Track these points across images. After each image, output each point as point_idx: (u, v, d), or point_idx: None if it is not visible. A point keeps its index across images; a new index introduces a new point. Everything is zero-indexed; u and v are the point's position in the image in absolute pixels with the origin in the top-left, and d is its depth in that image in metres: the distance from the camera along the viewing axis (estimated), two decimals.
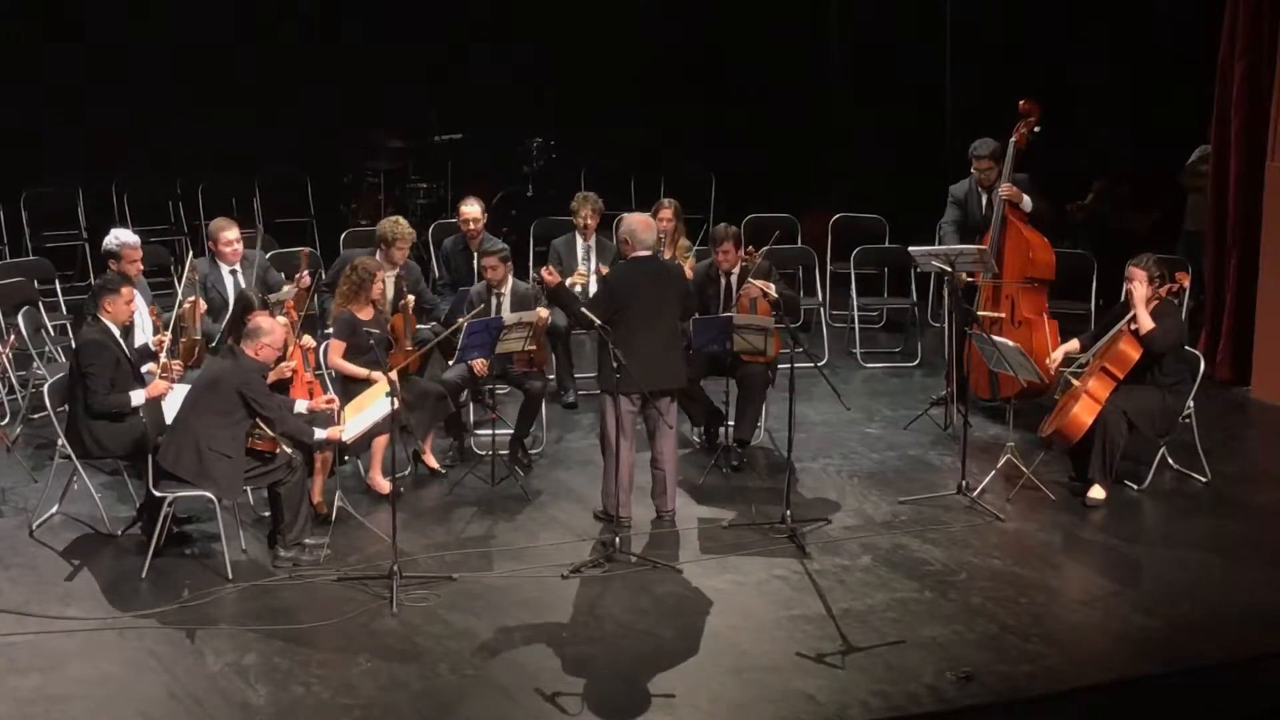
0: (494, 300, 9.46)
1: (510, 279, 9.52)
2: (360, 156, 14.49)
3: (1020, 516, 8.62)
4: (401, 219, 9.84)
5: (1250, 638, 7.26)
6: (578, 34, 14.90)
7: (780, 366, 9.11)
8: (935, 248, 10.05)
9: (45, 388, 8.42)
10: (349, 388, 8.65)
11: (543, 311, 9.24)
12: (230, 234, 9.55)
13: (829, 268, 12.50)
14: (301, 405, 8.12)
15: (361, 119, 14.37)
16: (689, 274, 9.70)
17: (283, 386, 8.24)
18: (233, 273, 9.58)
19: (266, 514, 8.18)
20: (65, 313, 11.17)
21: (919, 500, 8.82)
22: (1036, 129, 9.92)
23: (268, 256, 10.25)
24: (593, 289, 10.17)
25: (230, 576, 7.65)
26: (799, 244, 12.59)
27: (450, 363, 9.32)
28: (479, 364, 9.03)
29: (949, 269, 9.55)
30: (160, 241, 12.54)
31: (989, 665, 6.88)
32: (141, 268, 9.31)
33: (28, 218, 12.97)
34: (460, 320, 8.93)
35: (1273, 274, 10.70)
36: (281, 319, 8.35)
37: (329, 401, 8.23)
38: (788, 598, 7.58)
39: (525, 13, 14.81)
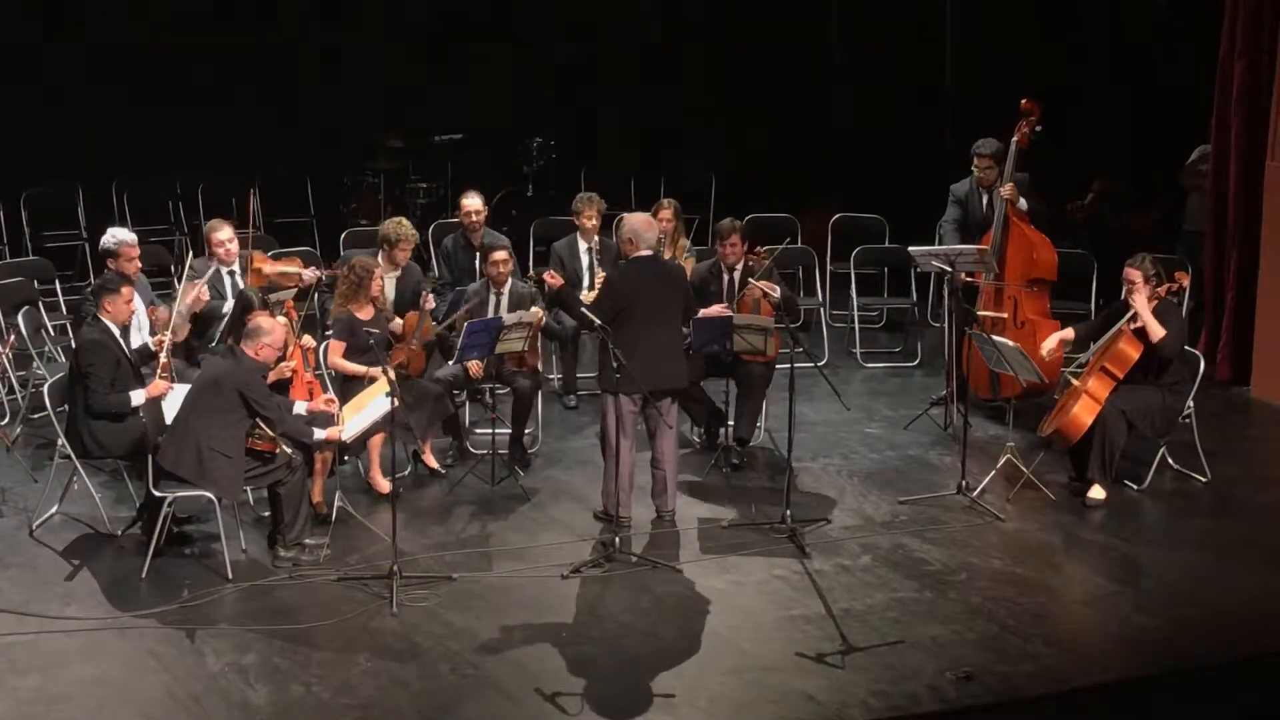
0: (493, 299, 9.47)
1: (510, 279, 9.53)
2: (360, 156, 14.49)
3: (1020, 516, 8.62)
4: (405, 220, 9.85)
5: (1250, 638, 7.26)
6: (578, 34, 14.90)
7: (780, 366, 9.11)
8: (935, 248, 10.06)
9: (45, 388, 8.42)
10: (348, 388, 8.66)
11: (538, 311, 9.25)
12: (222, 234, 9.54)
13: (829, 268, 12.51)
14: (301, 407, 8.12)
15: (361, 119, 14.37)
16: (689, 274, 9.70)
17: (283, 386, 8.23)
18: (230, 273, 9.58)
19: (266, 514, 8.18)
20: (65, 313, 11.17)
21: (919, 500, 8.82)
22: (1038, 128, 9.92)
23: (268, 256, 10.25)
24: None
25: (230, 576, 7.65)
26: (799, 244, 12.60)
27: (450, 363, 9.32)
28: (474, 366, 9.02)
29: (949, 269, 9.55)
30: (160, 241, 12.55)
31: (989, 665, 6.87)
32: (139, 266, 9.30)
33: (28, 218, 12.97)
34: (460, 311, 8.91)
35: (1273, 274, 10.70)
36: (281, 319, 8.36)
37: (329, 401, 8.23)
38: (788, 598, 7.58)
39: (525, 12, 14.81)
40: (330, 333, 9.03)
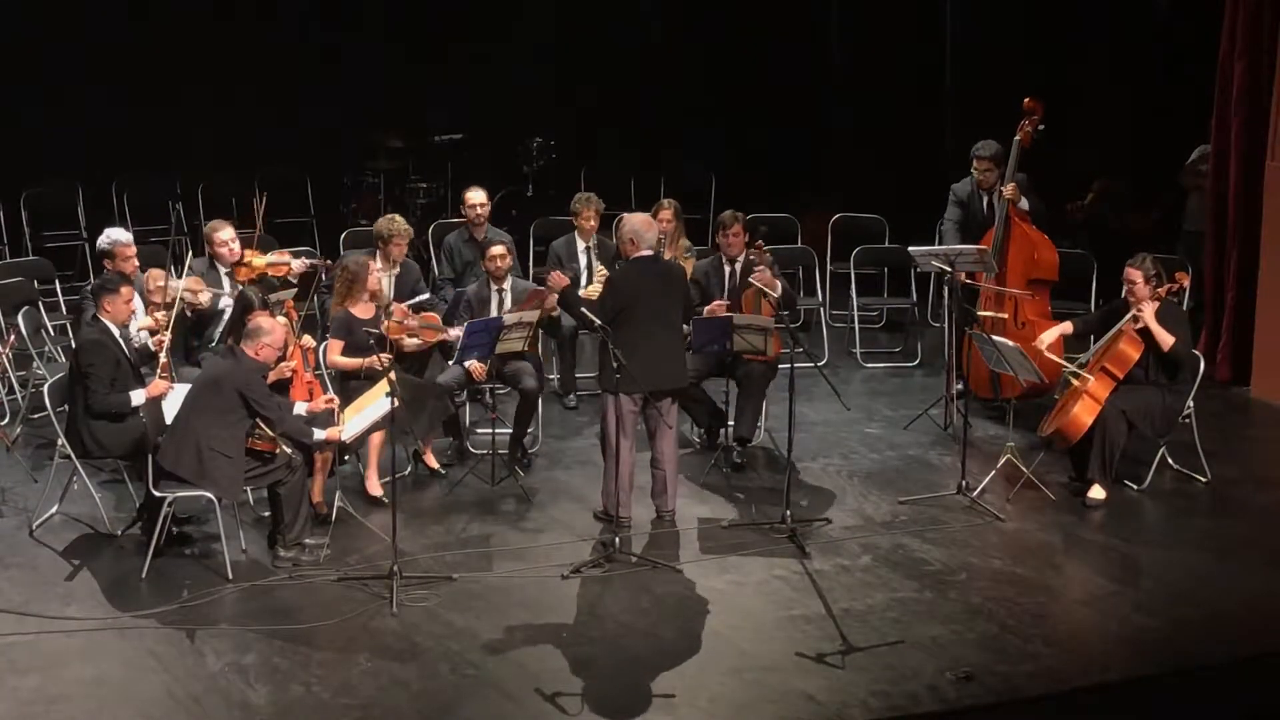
0: (494, 297, 9.47)
1: (510, 276, 9.54)
2: (360, 156, 14.49)
3: (1020, 516, 8.62)
4: (398, 216, 9.87)
5: (1250, 638, 7.26)
6: (577, 34, 14.90)
7: (780, 366, 9.11)
8: (935, 248, 10.06)
9: (45, 388, 8.42)
10: (348, 388, 8.66)
11: (547, 304, 9.22)
12: (224, 234, 9.54)
13: (829, 268, 12.51)
14: (301, 407, 8.12)
15: (361, 119, 14.37)
16: (690, 274, 9.70)
17: (282, 386, 8.24)
18: (229, 274, 9.57)
19: (266, 514, 8.18)
20: (65, 313, 11.18)
21: (919, 500, 8.82)
22: (1041, 127, 9.93)
23: (269, 255, 10.24)
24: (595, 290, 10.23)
25: (230, 576, 7.65)
26: (799, 244, 12.59)
27: (449, 363, 9.32)
28: (477, 370, 9.01)
29: (949, 269, 9.55)
30: (160, 241, 12.54)
31: (989, 665, 6.87)
32: (137, 264, 9.30)
33: (28, 217, 12.97)
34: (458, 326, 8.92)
35: (1273, 274, 10.70)
36: (281, 319, 8.36)
37: (329, 401, 8.23)
38: (788, 598, 7.58)
39: (526, 12, 14.80)
40: (329, 333, 9.02)
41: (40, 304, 10.60)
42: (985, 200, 10.25)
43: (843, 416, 10.01)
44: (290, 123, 13.98)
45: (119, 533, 8.20)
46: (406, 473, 9.07)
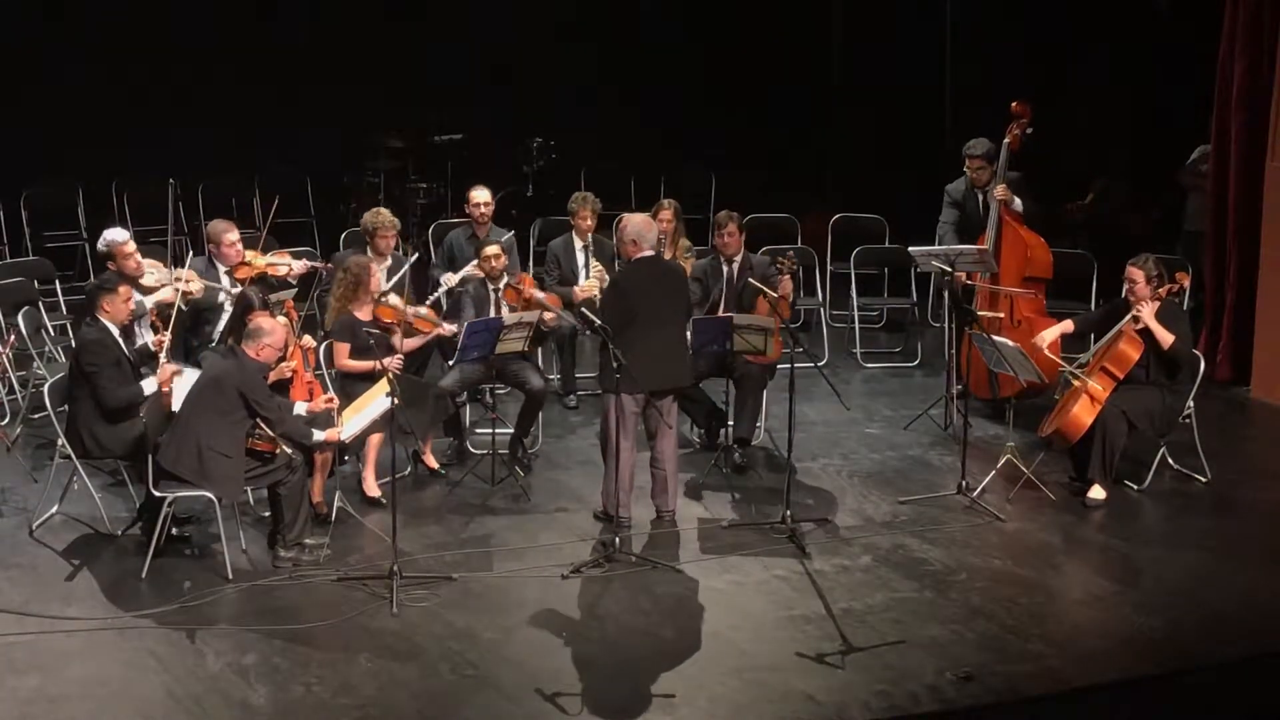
0: (493, 295, 9.47)
1: (506, 274, 9.53)
2: (360, 156, 14.49)
3: (1020, 516, 8.62)
4: (382, 209, 9.96)
5: (1250, 638, 7.26)
6: (579, 34, 14.90)
7: (780, 366, 9.12)
8: (935, 248, 10.06)
9: (45, 388, 8.42)
10: (349, 388, 8.66)
11: (548, 316, 9.23)
12: (233, 235, 9.56)
13: (829, 268, 12.51)
14: (301, 407, 8.13)
15: (361, 119, 14.37)
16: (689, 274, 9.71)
17: (282, 386, 8.24)
18: (228, 273, 9.57)
19: (266, 514, 8.18)
20: (65, 313, 11.17)
21: (919, 500, 8.82)
22: (1029, 130, 9.94)
23: (269, 255, 10.24)
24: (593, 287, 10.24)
25: (230, 576, 7.65)
26: (799, 244, 12.59)
27: (449, 363, 9.32)
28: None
29: (949, 269, 9.55)
30: (160, 241, 12.53)
31: (989, 665, 6.87)
32: (139, 260, 9.28)
33: (28, 218, 12.97)
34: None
35: (1273, 274, 10.70)
36: (282, 319, 8.35)
37: (328, 401, 8.23)
38: (788, 598, 7.58)
39: (526, 12, 14.80)
40: (330, 334, 9.01)
41: (40, 304, 10.59)
42: (981, 199, 10.26)
43: (843, 417, 10.01)
44: (290, 123, 13.98)
45: (119, 533, 8.19)
46: (406, 473, 9.07)
